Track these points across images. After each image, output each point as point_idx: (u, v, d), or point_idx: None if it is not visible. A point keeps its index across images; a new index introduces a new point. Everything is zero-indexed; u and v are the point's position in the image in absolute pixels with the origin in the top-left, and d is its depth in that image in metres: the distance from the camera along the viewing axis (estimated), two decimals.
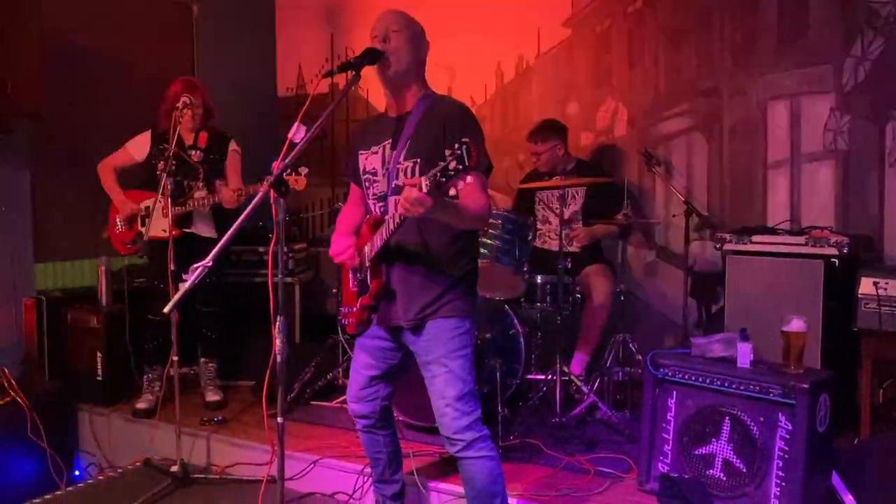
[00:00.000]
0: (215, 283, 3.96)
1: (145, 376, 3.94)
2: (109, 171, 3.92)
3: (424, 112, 2.37)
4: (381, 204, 2.41)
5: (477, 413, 2.37)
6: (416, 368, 2.48)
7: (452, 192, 1.95)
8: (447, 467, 2.99)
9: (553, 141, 4.06)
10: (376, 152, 2.43)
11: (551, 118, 4.22)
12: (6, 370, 3.69)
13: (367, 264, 2.39)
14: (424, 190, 1.94)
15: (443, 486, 2.94)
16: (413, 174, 2.30)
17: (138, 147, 3.90)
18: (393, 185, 2.36)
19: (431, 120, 2.34)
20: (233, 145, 3.96)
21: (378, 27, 2.36)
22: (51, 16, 4.10)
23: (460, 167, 1.87)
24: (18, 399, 3.59)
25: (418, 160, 2.31)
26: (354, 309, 2.50)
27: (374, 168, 2.43)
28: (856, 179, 3.78)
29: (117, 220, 3.95)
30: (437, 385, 2.36)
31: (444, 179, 1.90)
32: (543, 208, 4.18)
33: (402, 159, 2.34)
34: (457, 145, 1.87)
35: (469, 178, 1.91)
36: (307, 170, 3.17)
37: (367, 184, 2.47)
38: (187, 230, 3.82)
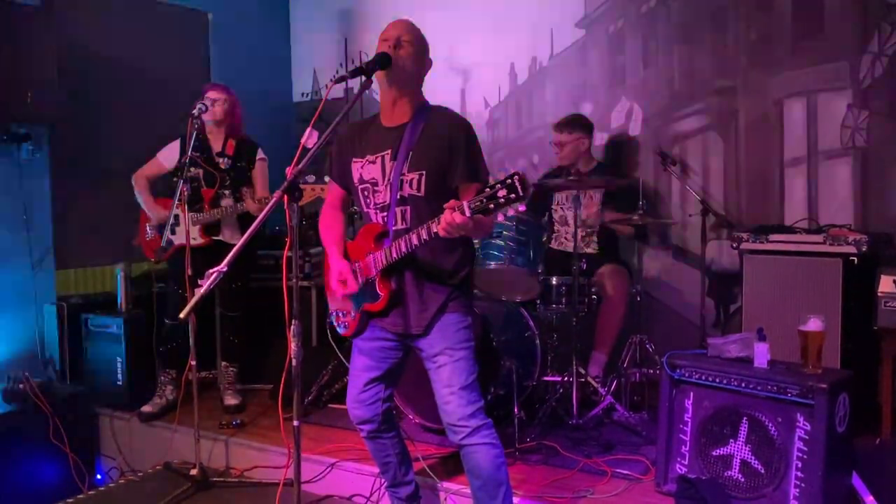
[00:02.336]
0: (241, 287, 4.00)
1: (159, 379, 3.98)
2: (142, 180, 3.96)
3: (425, 124, 2.41)
4: (383, 214, 2.44)
5: (480, 403, 2.41)
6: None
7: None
8: (461, 466, 2.99)
9: (578, 133, 4.03)
10: (374, 161, 2.44)
11: (578, 113, 4.21)
12: (28, 376, 3.74)
13: (376, 274, 2.42)
14: (468, 214, 2.05)
15: (457, 486, 2.94)
16: (419, 186, 2.36)
17: (169, 155, 3.94)
18: (398, 196, 2.39)
19: (434, 133, 2.39)
20: (259, 154, 3.99)
21: (391, 33, 2.39)
22: (67, 25, 4.16)
23: (512, 196, 1.98)
24: (40, 404, 3.64)
25: (423, 172, 2.36)
26: (355, 314, 2.53)
27: (373, 178, 2.45)
28: (874, 176, 3.73)
29: (147, 227, 3.99)
30: (443, 374, 2.40)
31: (491, 206, 2.02)
32: (561, 208, 4.18)
33: (405, 171, 2.38)
34: (507, 178, 1.98)
35: (522, 208, 2.02)
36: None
37: (364, 193, 2.48)
38: (215, 238, 3.85)
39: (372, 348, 2.54)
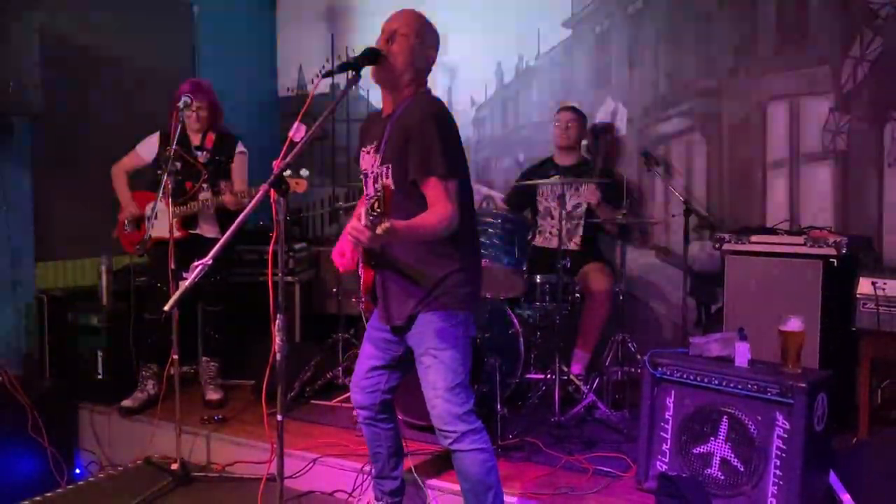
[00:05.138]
0: (221, 282, 3.97)
1: (140, 374, 3.95)
2: (121, 173, 3.95)
3: (400, 114, 2.36)
4: None
5: (469, 405, 2.36)
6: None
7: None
8: (446, 465, 2.99)
9: (582, 120, 4.18)
10: (369, 152, 2.46)
11: None
12: (7, 369, 3.70)
13: (359, 263, 2.48)
14: (363, 221, 1.98)
15: (441, 483, 2.95)
16: (387, 179, 2.35)
17: (147, 148, 3.92)
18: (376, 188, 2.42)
19: (402, 124, 2.33)
20: (239, 147, 3.97)
21: (389, 25, 2.37)
22: (51, 15, 4.11)
23: (378, 211, 1.95)
24: (20, 398, 3.60)
25: (390, 165, 2.34)
26: (364, 298, 2.56)
27: (366, 168, 2.47)
28: (855, 180, 3.79)
29: (125, 220, 3.96)
30: (428, 376, 2.37)
31: (371, 218, 1.96)
32: (546, 199, 4.19)
33: (379, 163, 2.38)
34: (378, 190, 1.96)
35: (386, 225, 1.94)
36: (308, 172, 3.17)
37: (363, 182, 2.52)
38: (192, 231, 3.83)
39: (376, 338, 2.56)
